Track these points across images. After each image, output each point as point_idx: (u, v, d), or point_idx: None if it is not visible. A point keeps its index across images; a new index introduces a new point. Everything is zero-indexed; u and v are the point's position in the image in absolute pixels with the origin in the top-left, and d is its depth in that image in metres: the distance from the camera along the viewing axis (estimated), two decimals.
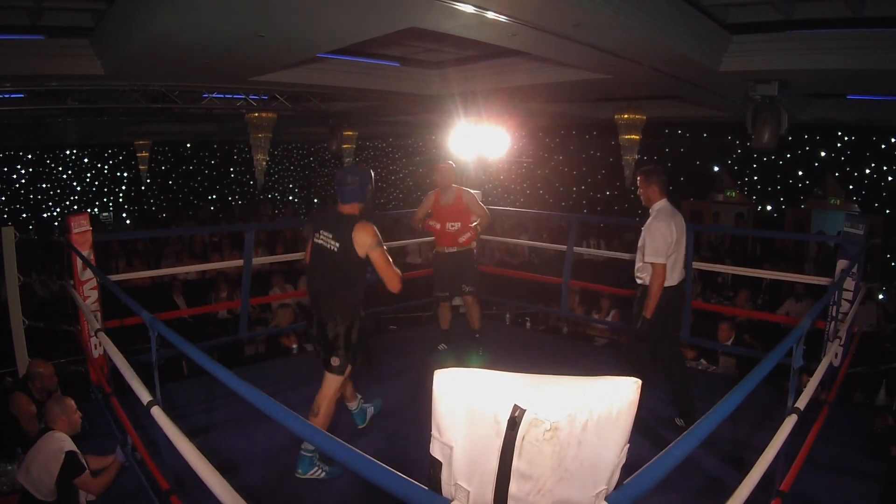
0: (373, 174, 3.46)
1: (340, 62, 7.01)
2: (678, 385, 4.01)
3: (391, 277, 3.30)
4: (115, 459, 3.16)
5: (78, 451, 3.11)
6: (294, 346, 6.23)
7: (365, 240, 3.25)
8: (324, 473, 3.45)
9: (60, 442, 3.07)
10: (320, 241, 3.39)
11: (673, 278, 3.85)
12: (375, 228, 3.30)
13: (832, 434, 3.77)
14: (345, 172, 3.41)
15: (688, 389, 3.99)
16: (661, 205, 3.87)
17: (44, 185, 15.80)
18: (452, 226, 5.13)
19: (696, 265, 5.63)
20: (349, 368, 3.46)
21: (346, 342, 3.38)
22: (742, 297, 7.52)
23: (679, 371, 4.03)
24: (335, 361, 3.38)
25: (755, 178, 12.16)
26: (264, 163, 10.47)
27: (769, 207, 12.02)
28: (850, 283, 4.42)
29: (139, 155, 15.13)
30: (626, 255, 8.37)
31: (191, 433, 2.15)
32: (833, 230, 9.06)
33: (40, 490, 3.00)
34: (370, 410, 4.13)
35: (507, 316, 7.46)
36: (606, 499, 1.21)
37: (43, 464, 3.00)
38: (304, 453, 3.43)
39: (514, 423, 1.09)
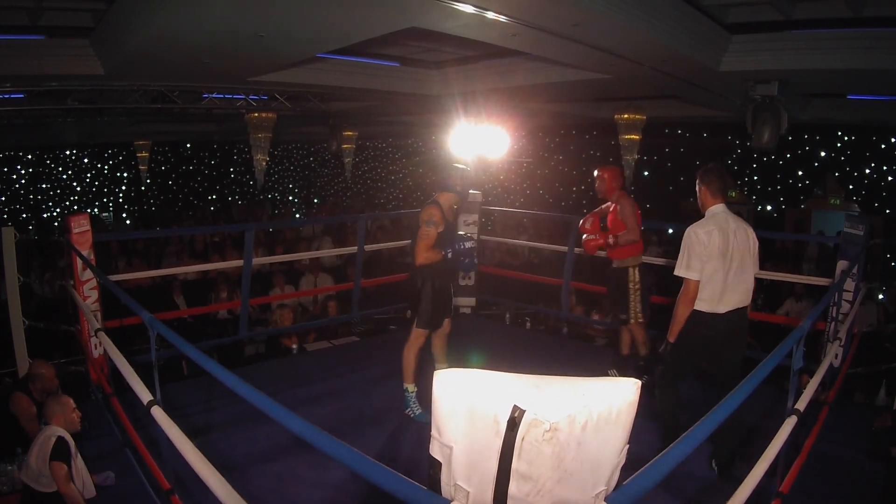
0: (461, 173, 4.09)
1: (340, 62, 7.01)
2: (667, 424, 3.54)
3: (419, 250, 3.88)
4: (96, 481, 3.22)
5: (72, 445, 3.10)
6: (294, 346, 6.22)
7: (421, 215, 3.91)
8: (413, 414, 4.07)
9: (55, 431, 3.09)
10: None
11: (719, 302, 3.22)
12: (437, 211, 3.89)
13: (832, 434, 3.77)
14: (443, 167, 4.28)
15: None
16: (714, 209, 3.39)
17: (44, 186, 15.78)
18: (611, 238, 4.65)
19: None
20: (420, 326, 4.02)
21: (417, 299, 4.01)
22: None
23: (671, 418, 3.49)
24: (406, 315, 4.10)
25: (755, 178, 12.16)
26: (264, 163, 10.45)
27: (769, 207, 12.01)
28: (850, 284, 4.42)
29: (139, 155, 15.10)
30: None
31: (191, 433, 2.15)
32: (833, 230, 9.08)
33: (41, 481, 3.00)
34: (417, 411, 4.11)
35: (508, 316, 7.46)
36: (606, 499, 1.21)
37: (38, 452, 3.02)
38: (406, 394, 4.09)
39: (513, 424, 1.09)
